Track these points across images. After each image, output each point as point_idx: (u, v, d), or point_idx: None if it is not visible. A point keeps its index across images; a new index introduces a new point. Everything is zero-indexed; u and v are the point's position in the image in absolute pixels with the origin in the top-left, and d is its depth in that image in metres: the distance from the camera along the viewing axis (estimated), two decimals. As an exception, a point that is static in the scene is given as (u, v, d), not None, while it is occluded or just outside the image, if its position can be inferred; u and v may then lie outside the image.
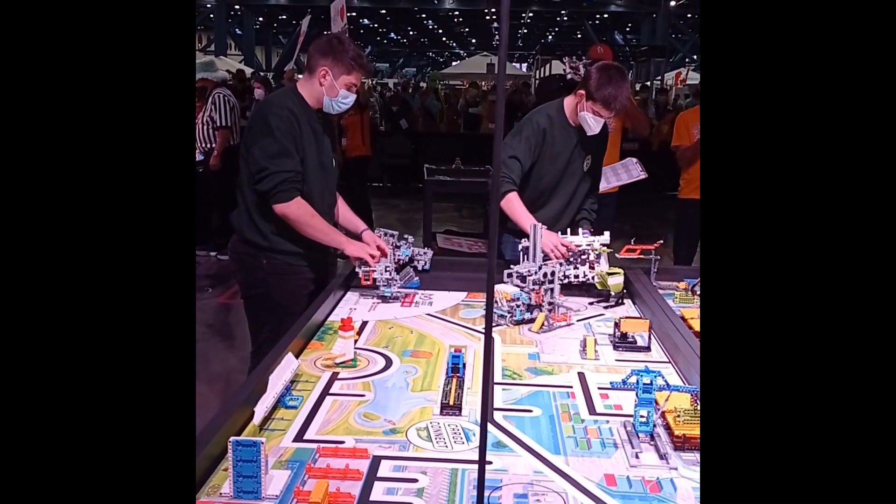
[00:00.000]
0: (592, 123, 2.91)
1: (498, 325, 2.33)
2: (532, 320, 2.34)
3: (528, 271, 2.38)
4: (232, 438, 1.31)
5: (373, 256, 2.61)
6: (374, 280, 2.59)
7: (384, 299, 2.58)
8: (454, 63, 35.34)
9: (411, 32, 40.68)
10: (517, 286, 2.38)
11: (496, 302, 2.36)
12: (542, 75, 15.87)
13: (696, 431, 1.52)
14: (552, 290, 2.39)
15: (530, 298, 2.35)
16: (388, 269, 2.60)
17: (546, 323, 2.30)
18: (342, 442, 1.54)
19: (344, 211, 2.88)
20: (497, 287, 2.38)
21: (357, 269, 2.64)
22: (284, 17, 32.24)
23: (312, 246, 2.64)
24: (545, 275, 2.38)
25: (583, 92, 2.89)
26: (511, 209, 2.90)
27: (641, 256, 2.76)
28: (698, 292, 2.57)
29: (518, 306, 2.33)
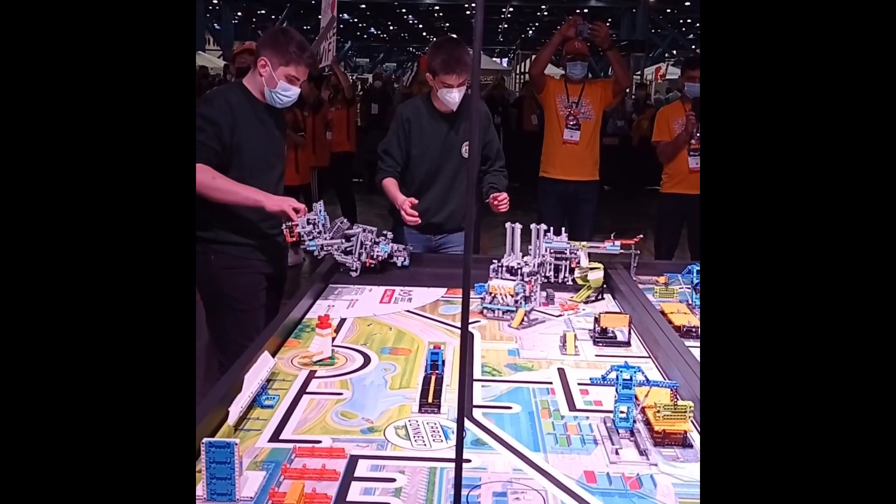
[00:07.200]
0: (449, 98, 3.00)
1: (505, 320, 2.33)
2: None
3: (518, 264, 2.41)
4: (205, 440, 1.28)
5: (296, 211, 2.49)
6: (299, 235, 2.48)
7: (315, 258, 2.51)
8: (435, 58, 35.18)
9: (391, 27, 40.50)
10: (506, 279, 2.39)
11: (501, 298, 2.34)
12: (522, 69, 15.84)
13: (677, 427, 1.52)
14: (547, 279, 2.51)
15: (524, 290, 2.34)
16: (310, 221, 2.48)
17: (526, 318, 2.29)
18: (319, 441, 1.51)
19: None
20: (495, 283, 2.37)
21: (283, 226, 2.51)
22: (263, 11, 31.95)
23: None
24: (538, 265, 2.46)
25: (430, 74, 3.03)
26: (385, 192, 3.16)
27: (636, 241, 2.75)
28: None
29: (524, 299, 2.33)
